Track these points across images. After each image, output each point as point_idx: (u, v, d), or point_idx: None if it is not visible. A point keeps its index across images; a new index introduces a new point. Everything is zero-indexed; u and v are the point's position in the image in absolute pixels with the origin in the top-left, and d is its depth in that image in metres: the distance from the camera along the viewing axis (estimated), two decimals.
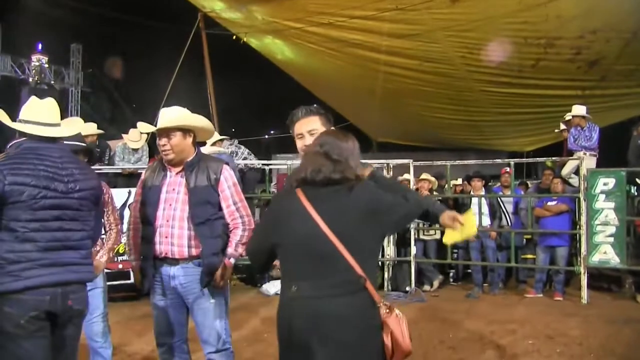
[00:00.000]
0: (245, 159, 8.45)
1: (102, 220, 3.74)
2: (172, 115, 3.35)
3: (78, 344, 2.93)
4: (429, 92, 11.87)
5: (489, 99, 11.81)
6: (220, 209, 3.37)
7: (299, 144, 2.80)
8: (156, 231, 3.31)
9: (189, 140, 3.37)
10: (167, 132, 3.30)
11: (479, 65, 10.43)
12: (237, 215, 3.38)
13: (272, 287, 7.83)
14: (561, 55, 9.77)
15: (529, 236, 8.36)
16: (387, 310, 2.31)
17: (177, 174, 3.38)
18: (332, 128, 2.82)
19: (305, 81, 14.03)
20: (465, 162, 9.62)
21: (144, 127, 3.82)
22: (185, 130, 3.34)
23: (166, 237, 3.29)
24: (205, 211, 3.31)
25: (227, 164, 3.51)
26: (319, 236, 2.27)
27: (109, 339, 3.87)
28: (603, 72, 10.16)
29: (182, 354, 3.42)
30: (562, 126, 9.00)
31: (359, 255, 2.27)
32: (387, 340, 2.29)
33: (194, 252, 3.29)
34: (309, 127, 2.78)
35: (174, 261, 3.30)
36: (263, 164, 9.19)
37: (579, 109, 8.34)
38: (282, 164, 9.48)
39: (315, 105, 2.88)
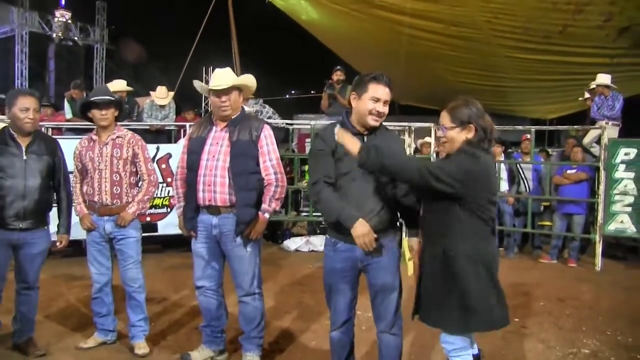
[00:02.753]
0: (269, 118, 8.57)
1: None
2: (227, 77, 3.66)
3: None
4: (453, 56, 11.77)
5: (513, 65, 11.67)
6: (258, 164, 3.63)
7: (369, 105, 3.03)
8: (200, 180, 3.61)
9: (241, 98, 3.73)
10: (226, 90, 3.61)
11: (504, 30, 10.28)
12: (272, 171, 3.64)
13: (293, 243, 8.11)
14: (590, 21, 9.57)
15: (547, 203, 8.41)
16: None
17: (221, 129, 3.69)
18: None
19: (329, 42, 13.97)
20: None
21: (200, 86, 3.97)
22: (239, 89, 3.69)
23: (209, 185, 3.59)
24: (244, 163, 3.59)
25: (268, 123, 3.79)
26: None
27: (142, 284, 4.12)
28: (633, 39, 9.96)
29: (217, 296, 3.81)
30: (587, 94, 8.96)
31: None
32: None
33: (234, 199, 3.57)
34: (387, 97, 3.05)
35: (216, 209, 3.62)
36: (287, 124, 9.31)
37: (603, 78, 8.30)
38: (305, 123, 9.58)
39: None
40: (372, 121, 3.06)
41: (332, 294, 3.19)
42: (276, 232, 8.80)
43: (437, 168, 2.72)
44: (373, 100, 3.03)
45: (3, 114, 5.85)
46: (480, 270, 2.72)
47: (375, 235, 2.93)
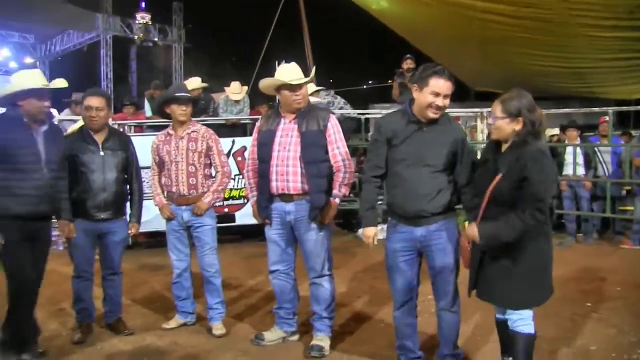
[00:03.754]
0: (341, 108, 8.67)
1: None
2: (296, 71, 3.86)
3: None
4: (527, 38, 11.41)
5: (593, 44, 11.14)
6: (327, 152, 3.81)
7: (429, 98, 3.16)
8: (272, 170, 3.81)
9: (308, 91, 3.91)
10: (301, 85, 3.82)
11: (582, 8, 9.86)
12: (340, 158, 3.82)
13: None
14: None
15: (629, 187, 8.08)
16: None
17: (290, 121, 3.87)
18: None
19: (401, 30, 13.93)
20: (561, 110, 9.27)
21: (272, 82, 3.95)
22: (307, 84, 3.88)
23: (282, 175, 3.80)
24: (314, 153, 3.78)
25: (334, 113, 4.00)
26: None
27: (218, 269, 4.36)
28: None
29: (290, 279, 4.03)
30: None
31: None
32: None
33: (306, 187, 3.77)
34: (447, 91, 3.17)
35: (289, 197, 3.82)
36: (359, 114, 9.40)
37: None
38: (378, 113, 9.61)
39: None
40: (431, 114, 3.21)
41: (392, 273, 3.39)
42: (350, 221, 8.92)
43: (543, 205, 2.82)
44: (433, 94, 3.16)
45: None
46: (543, 246, 2.95)
47: (379, 237, 3.43)
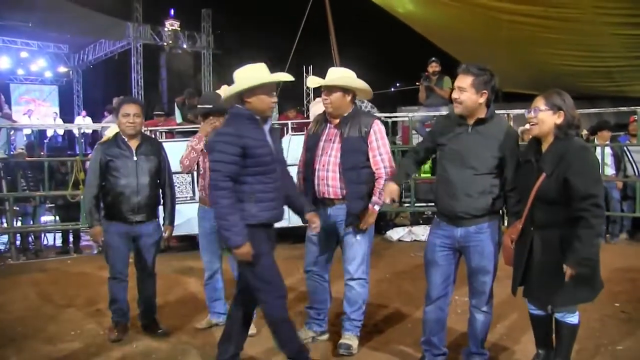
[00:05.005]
0: (368, 112, 8.74)
1: None
2: (334, 76, 3.89)
3: None
4: (555, 38, 11.34)
5: (621, 42, 11.01)
6: (369, 159, 3.86)
7: (452, 94, 3.33)
8: (315, 174, 3.91)
9: (348, 98, 3.89)
10: (329, 88, 3.84)
11: (609, 7, 9.77)
12: (382, 165, 3.86)
13: (395, 233, 8.27)
14: None
15: None
16: None
17: (334, 126, 3.93)
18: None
19: (428, 33, 13.95)
20: (589, 110, 9.20)
21: (312, 81, 4.08)
22: (345, 90, 3.86)
23: (323, 179, 3.89)
24: (354, 159, 3.84)
25: (379, 119, 4.01)
26: None
27: None
28: None
29: (323, 281, 4.12)
30: None
31: None
32: None
33: (345, 192, 3.85)
34: (459, 83, 3.28)
35: (330, 201, 3.91)
36: (385, 117, 9.46)
37: None
38: (405, 116, 9.63)
39: (476, 65, 3.30)
40: (455, 108, 3.34)
41: (429, 267, 3.49)
42: (379, 223, 8.97)
43: (597, 199, 2.90)
44: (454, 90, 3.32)
45: None
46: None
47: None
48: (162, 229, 4.50)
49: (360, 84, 3.93)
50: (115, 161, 4.21)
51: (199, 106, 4.38)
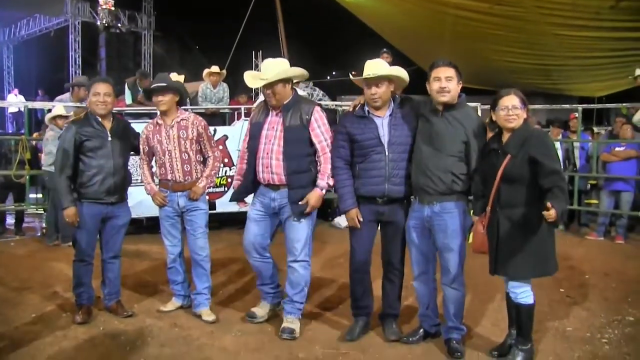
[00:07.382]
0: (320, 100, 8.82)
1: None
2: (272, 72, 3.94)
3: None
4: (498, 35, 11.78)
5: (561, 43, 11.53)
6: (312, 145, 3.94)
7: (435, 85, 3.55)
8: (259, 162, 3.99)
9: (288, 87, 4.01)
10: (271, 84, 3.92)
11: (552, 7, 10.19)
12: (328, 150, 3.94)
13: (344, 220, 8.31)
14: None
15: (594, 181, 8.45)
16: None
17: (276, 114, 4.00)
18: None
19: (374, 24, 14.11)
20: (532, 106, 9.61)
21: (252, 81, 4.16)
22: (284, 80, 3.96)
23: (267, 167, 3.96)
24: (296, 147, 3.92)
25: (320, 105, 4.07)
26: None
27: (209, 254, 4.47)
28: None
29: (265, 259, 4.20)
30: (638, 72, 8.89)
31: None
32: None
33: (288, 181, 3.93)
34: (447, 74, 3.52)
35: (275, 187, 4.00)
36: (336, 105, 9.56)
37: None
38: (349, 105, 9.71)
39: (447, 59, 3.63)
40: (440, 97, 3.56)
41: (409, 245, 3.80)
42: (327, 210, 9.08)
43: (562, 174, 3.36)
44: (434, 80, 3.55)
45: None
46: (550, 228, 3.35)
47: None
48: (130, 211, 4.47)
49: (295, 71, 4.10)
50: (92, 141, 4.12)
51: (154, 85, 4.31)
